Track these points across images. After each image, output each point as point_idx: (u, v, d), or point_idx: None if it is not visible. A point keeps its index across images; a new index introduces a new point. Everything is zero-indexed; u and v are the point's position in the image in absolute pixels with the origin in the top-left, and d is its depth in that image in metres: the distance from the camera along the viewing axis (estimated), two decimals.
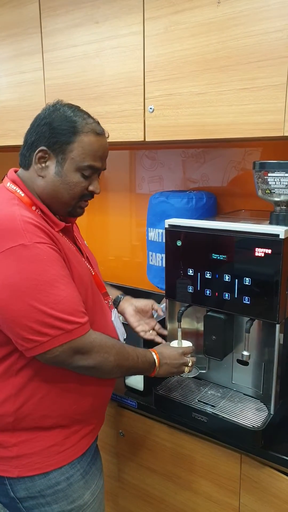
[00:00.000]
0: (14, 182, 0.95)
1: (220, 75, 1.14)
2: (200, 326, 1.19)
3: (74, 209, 0.98)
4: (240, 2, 1.07)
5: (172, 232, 1.15)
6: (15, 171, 0.99)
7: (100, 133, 0.95)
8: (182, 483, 1.23)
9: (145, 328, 1.18)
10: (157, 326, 1.20)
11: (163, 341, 1.19)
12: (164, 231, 1.17)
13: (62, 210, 0.97)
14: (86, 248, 1.12)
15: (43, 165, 0.93)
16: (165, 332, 1.20)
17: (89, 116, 0.96)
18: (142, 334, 1.17)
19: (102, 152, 0.95)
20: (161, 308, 1.22)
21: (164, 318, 1.26)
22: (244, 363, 1.13)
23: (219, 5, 1.11)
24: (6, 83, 1.67)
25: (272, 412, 1.09)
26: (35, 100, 1.58)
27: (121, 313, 1.21)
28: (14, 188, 0.94)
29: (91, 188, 0.96)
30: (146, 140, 1.31)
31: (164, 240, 1.18)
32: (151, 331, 1.18)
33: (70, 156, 0.92)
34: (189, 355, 1.11)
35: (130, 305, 1.20)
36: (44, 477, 0.95)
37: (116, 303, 1.21)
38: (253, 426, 1.03)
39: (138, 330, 1.17)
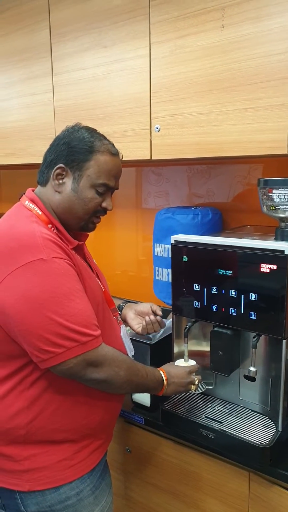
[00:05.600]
0: (32, 200, 0.99)
1: (224, 96, 1.17)
2: (206, 342, 1.20)
3: (87, 224, 1.02)
4: (242, 27, 1.11)
5: (178, 248, 1.16)
6: (33, 190, 1.03)
7: (115, 153, 1.00)
8: (189, 501, 1.22)
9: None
10: (158, 318, 1.23)
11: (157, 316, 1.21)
12: (170, 246, 1.19)
13: (76, 225, 1.01)
14: (96, 266, 1.15)
15: (61, 181, 0.98)
16: (159, 313, 1.23)
17: (105, 138, 1.01)
18: (142, 332, 1.21)
19: (116, 171, 1.00)
20: (159, 308, 1.25)
21: (170, 333, 1.26)
22: (251, 378, 1.13)
23: (223, 29, 1.15)
24: (17, 104, 1.73)
25: (280, 428, 1.08)
26: (45, 121, 1.64)
27: (123, 318, 1.25)
28: (32, 206, 0.97)
29: (104, 204, 1.01)
30: (153, 158, 1.35)
31: (170, 256, 1.20)
32: (149, 327, 1.22)
33: (87, 173, 0.97)
34: (195, 373, 1.11)
35: (130, 309, 1.26)
36: (54, 491, 0.95)
37: (119, 310, 1.25)
38: (261, 443, 1.03)
39: (139, 332, 1.21)
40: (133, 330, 1.23)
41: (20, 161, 1.77)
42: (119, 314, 1.17)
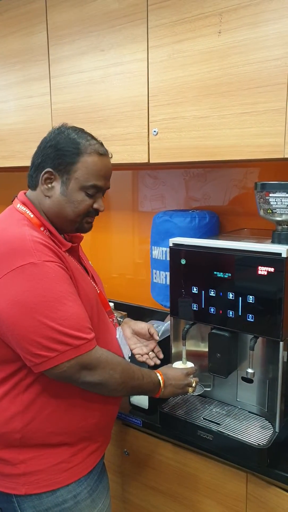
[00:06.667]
0: (24, 203, 0.99)
1: (222, 100, 1.18)
2: (204, 345, 1.21)
3: (81, 225, 1.01)
4: (240, 32, 1.13)
5: (176, 251, 1.17)
6: (25, 193, 1.03)
7: (103, 153, 0.98)
8: (187, 503, 1.22)
9: (141, 352, 1.17)
10: (156, 349, 1.19)
11: (155, 362, 1.16)
12: (167, 249, 1.20)
13: (70, 227, 1.00)
14: (91, 268, 1.15)
15: (49, 185, 0.97)
16: (160, 356, 1.19)
17: (92, 137, 1.00)
18: (137, 357, 1.16)
19: (104, 171, 0.99)
20: (157, 332, 1.21)
21: (168, 336, 1.27)
22: (249, 380, 1.14)
23: (220, 35, 1.16)
24: (14, 107, 1.73)
25: (277, 430, 1.09)
26: (42, 123, 1.64)
27: None
28: (24, 209, 0.97)
29: (95, 206, 1.00)
30: (150, 162, 1.35)
31: (168, 258, 1.20)
32: (144, 356, 1.17)
33: (75, 176, 0.95)
34: (192, 376, 1.12)
35: (128, 327, 1.21)
36: (51, 494, 0.95)
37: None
38: (258, 444, 1.03)
39: (134, 353, 1.17)
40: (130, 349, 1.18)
41: (17, 163, 1.77)
42: (115, 316, 1.17)
